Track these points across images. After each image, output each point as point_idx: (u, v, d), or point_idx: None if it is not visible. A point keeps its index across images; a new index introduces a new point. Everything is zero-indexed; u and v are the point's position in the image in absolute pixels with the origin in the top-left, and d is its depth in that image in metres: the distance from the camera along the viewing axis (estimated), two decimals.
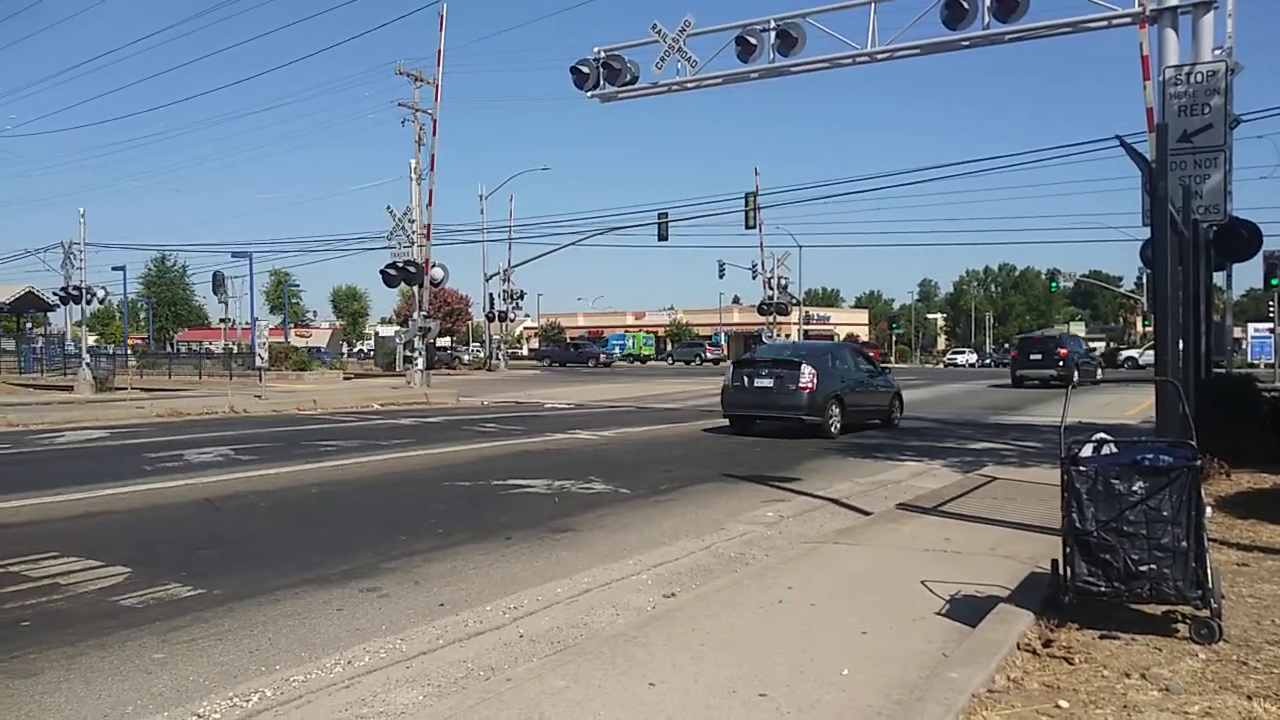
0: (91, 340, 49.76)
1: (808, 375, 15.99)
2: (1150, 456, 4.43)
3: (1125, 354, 66.23)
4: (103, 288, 36.59)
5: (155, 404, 22.05)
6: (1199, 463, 4.36)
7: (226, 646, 4.76)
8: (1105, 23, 12.11)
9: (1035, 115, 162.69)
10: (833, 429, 16.01)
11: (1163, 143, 7.47)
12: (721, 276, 63.63)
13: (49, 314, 56.70)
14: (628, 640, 4.50)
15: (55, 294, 38.70)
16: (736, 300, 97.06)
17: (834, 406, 16.23)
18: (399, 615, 5.33)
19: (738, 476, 10.88)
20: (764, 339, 55.62)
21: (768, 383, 16.28)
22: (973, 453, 13.56)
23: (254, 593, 5.72)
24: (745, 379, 16.66)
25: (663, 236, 43.92)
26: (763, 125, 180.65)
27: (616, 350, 76.93)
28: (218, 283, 39.46)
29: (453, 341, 71.20)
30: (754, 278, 57.77)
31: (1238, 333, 49.28)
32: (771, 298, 55.47)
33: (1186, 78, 9.78)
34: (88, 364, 34.76)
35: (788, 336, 54.86)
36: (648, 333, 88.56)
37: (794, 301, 62.27)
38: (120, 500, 9.10)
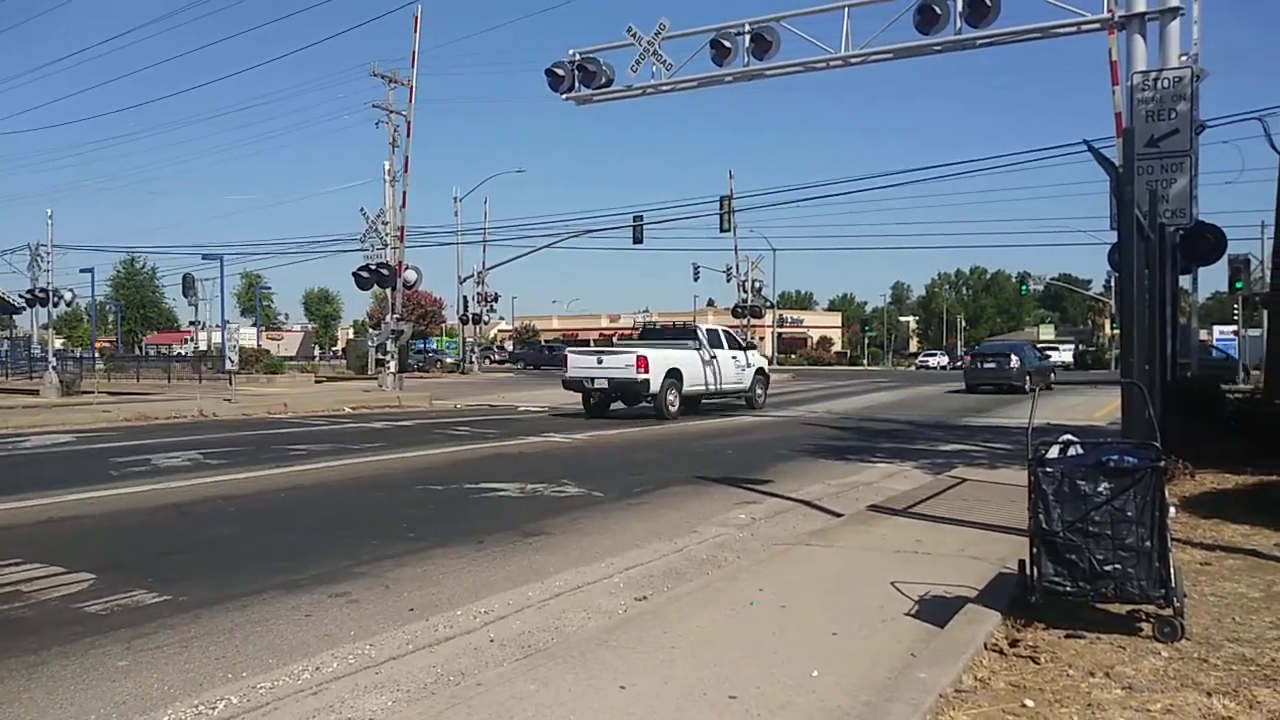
0: (58, 343, 49.07)
1: (1015, 360, 31.33)
2: (1115, 458, 4.49)
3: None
4: (70, 290, 36.05)
5: (123, 408, 21.78)
6: (1163, 464, 4.42)
7: (192, 653, 4.71)
8: (1074, 28, 12.28)
9: (1006, 119, 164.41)
10: (1026, 388, 29.29)
11: (1130, 147, 7.57)
12: (696, 279, 63.87)
13: (14, 316, 55.84)
14: (599, 644, 4.49)
15: (21, 296, 38.07)
16: (711, 303, 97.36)
17: (1028, 376, 30.00)
18: (368, 621, 5.29)
19: (710, 479, 10.90)
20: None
21: (992, 365, 31.86)
22: (943, 454, 13.66)
23: (221, 599, 5.66)
24: (979, 363, 32.58)
25: (638, 239, 43.99)
26: (738, 128, 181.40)
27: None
28: (188, 285, 39.06)
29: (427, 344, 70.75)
30: (728, 280, 57.97)
31: (1203, 335, 50.04)
32: (746, 300, 55.68)
33: (1154, 83, 9.92)
34: (54, 367, 34.22)
35: (761, 339, 55.05)
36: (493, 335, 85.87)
37: (768, 304, 62.53)
38: (86, 506, 8.98)
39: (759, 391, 23.94)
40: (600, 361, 20.46)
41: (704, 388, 21.61)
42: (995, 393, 29.94)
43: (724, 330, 24.03)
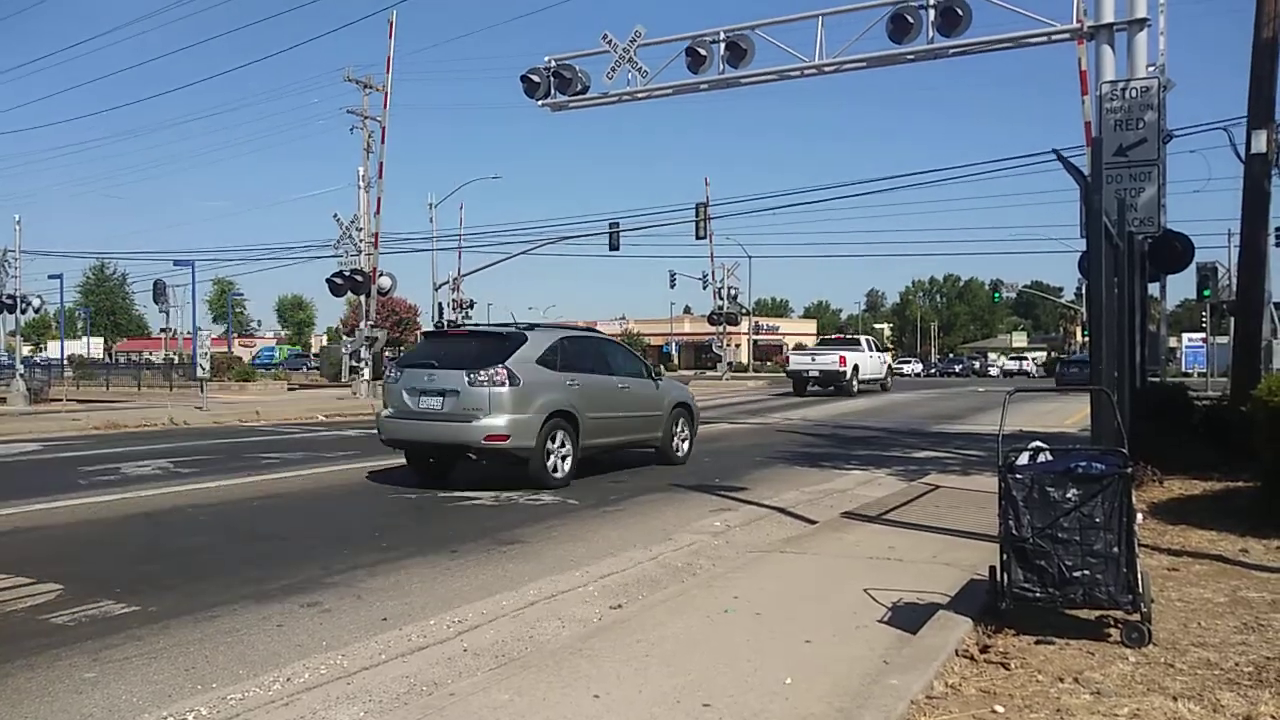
0: (26, 350, 48.29)
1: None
2: (1083, 464, 4.54)
3: None
4: (38, 296, 35.58)
5: (92, 416, 21.51)
6: (1130, 470, 4.48)
7: (162, 664, 4.65)
8: (1045, 38, 12.41)
9: (980, 127, 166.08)
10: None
11: (1098, 156, 7.65)
12: (673, 286, 63.78)
13: None
14: (573, 652, 4.49)
15: None
16: (688, 310, 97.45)
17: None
18: (340, 631, 5.25)
19: (686, 487, 10.90)
20: (715, 348, 56.23)
21: (1075, 370, 37.63)
22: (916, 461, 13.75)
23: (191, 609, 5.60)
24: (1067, 367, 41.61)
25: (614, 246, 43.91)
26: (713, 136, 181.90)
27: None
28: (158, 291, 38.61)
29: (401, 351, 70.32)
30: (704, 288, 58.03)
31: (1172, 342, 50.73)
32: (722, 308, 55.81)
33: (1121, 93, 10.06)
34: (21, 375, 33.73)
35: (737, 347, 55.38)
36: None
37: (744, 311, 62.76)
38: (53, 515, 8.85)
39: (889, 379, 36.74)
40: (814, 359, 33.69)
41: (868, 376, 33.96)
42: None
43: (873, 339, 38.97)
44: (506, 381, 10.31)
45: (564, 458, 10.81)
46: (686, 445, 13.34)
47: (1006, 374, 72.96)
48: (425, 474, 11.23)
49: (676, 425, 13.07)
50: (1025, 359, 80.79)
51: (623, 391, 12.02)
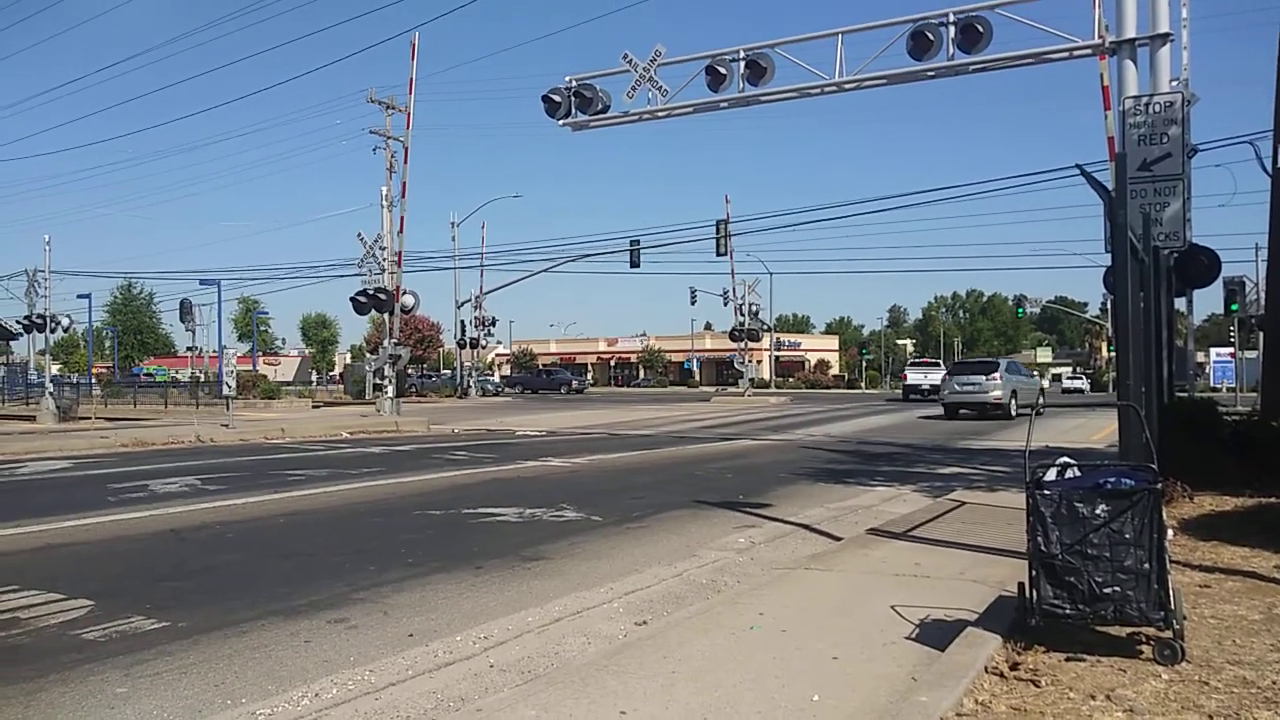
0: (55, 369, 48.88)
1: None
2: (1112, 480, 4.50)
3: None
4: (67, 316, 36.17)
5: (120, 434, 21.75)
6: (1160, 486, 4.43)
7: (191, 680, 4.69)
8: (1066, 54, 12.41)
9: (1002, 142, 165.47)
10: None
11: (1122, 171, 7.61)
12: (694, 303, 63.90)
13: (11, 343, 55.79)
14: (599, 669, 4.49)
15: (19, 322, 38.10)
16: (709, 326, 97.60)
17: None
18: (367, 646, 5.27)
19: (709, 503, 10.88)
20: (737, 364, 56.14)
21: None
22: (942, 478, 13.66)
23: (220, 625, 5.65)
24: None
25: (635, 263, 44.10)
26: (733, 153, 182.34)
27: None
28: (185, 310, 39.03)
29: (424, 369, 70.66)
30: (725, 304, 57.99)
31: (1200, 357, 50.20)
32: (743, 324, 55.72)
33: (1145, 108, 10.01)
34: (51, 393, 34.21)
35: (758, 363, 55.19)
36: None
37: (765, 328, 62.62)
38: (83, 532, 8.96)
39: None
40: (926, 376, 45.28)
41: None
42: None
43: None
44: (1000, 379, 27.68)
45: (1013, 408, 27.54)
46: (1043, 406, 30.92)
47: (1065, 391, 69.90)
48: (953, 417, 28.14)
49: (1040, 398, 31.24)
50: (1080, 376, 77.86)
51: (1024, 382, 30.23)
